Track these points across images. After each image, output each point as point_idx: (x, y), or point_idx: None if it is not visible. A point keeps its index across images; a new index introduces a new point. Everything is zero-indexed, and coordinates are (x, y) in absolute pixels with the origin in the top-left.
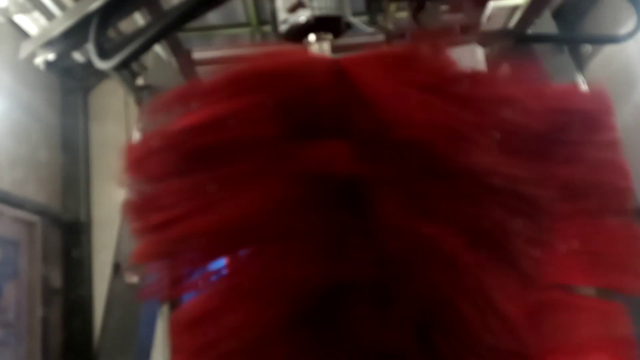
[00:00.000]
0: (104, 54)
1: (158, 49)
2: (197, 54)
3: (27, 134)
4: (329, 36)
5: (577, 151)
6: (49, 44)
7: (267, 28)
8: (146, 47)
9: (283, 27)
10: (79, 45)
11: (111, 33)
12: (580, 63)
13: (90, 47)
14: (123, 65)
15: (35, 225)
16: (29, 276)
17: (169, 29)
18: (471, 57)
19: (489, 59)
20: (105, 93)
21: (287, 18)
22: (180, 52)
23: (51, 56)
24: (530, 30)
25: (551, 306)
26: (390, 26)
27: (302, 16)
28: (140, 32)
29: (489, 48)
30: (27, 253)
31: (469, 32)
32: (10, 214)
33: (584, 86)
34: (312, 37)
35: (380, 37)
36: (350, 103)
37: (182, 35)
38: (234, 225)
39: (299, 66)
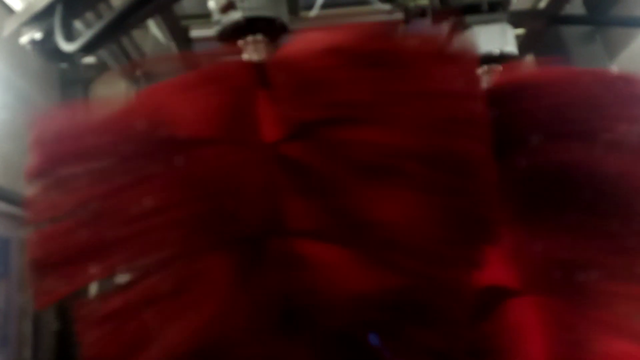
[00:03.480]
0: (70, 37)
1: (157, 33)
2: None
3: (23, 126)
4: (263, 38)
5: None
6: (34, 21)
7: None
8: (111, 28)
9: (216, 29)
10: (77, 15)
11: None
12: (611, 53)
13: (56, 29)
14: (89, 48)
15: None
16: (20, 275)
17: (134, 7)
18: (501, 36)
19: (519, 40)
20: (106, 84)
21: (219, 19)
22: (181, 38)
23: (38, 35)
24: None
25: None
26: (410, 4)
27: (233, 17)
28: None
29: (519, 28)
30: (18, 250)
31: (497, 10)
32: (2, 209)
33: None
34: (247, 38)
35: (399, 15)
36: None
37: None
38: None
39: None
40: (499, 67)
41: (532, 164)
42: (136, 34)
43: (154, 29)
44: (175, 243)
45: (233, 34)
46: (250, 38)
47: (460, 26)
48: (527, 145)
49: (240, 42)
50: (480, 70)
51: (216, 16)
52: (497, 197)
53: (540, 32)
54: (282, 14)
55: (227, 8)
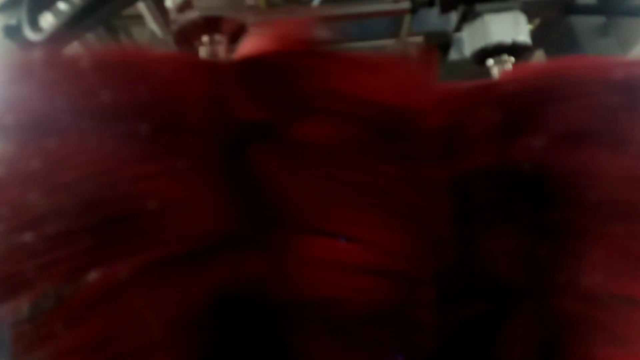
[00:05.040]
0: (36, 26)
1: (155, 27)
2: None
3: None
4: (221, 38)
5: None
6: (8, 6)
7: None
8: (79, 18)
9: (173, 28)
10: (45, 5)
11: None
12: (625, 47)
13: (23, 16)
14: (57, 38)
15: None
16: None
17: None
18: (513, 25)
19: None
20: None
21: (176, 18)
22: None
23: (13, 20)
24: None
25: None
26: None
27: (190, 16)
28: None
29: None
30: None
31: None
32: None
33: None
34: (205, 38)
35: (406, 4)
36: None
37: None
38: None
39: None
40: (510, 58)
41: (538, 163)
42: (134, 29)
43: (151, 23)
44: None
45: (190, 33)
46: (207, 38)
47: (470, 15)
48: (533, 144)
49: (197, 42)
50: (491, 62)
51: (173, 15)
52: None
53: (554, 23)
54: (241, 14)
55: (184, 7)
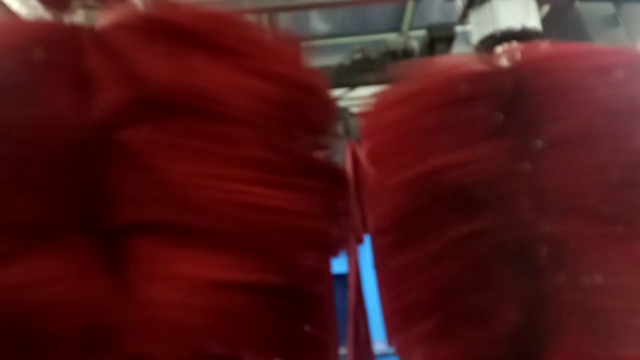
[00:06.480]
0: None
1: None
2: None
3: None
4: (97, 4)
5: None
6: None
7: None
8: None
9: None
10: None
11: None
12: (634, 37)
13: None
14: None
15: None
16: None
17: None
18: (523, 10)
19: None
20: None
21: None
22: None
23: None
24: None
25: None
26: None
27: None
28: None
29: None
30: None
31: None
32: None
33: None
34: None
35: None
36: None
37: None
38: None
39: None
40: (519, 44)
41: (550, 145)
42: None
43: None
44: None
45: None
46: (81, 1)
47: (477, 0)
48: (545, 127)
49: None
50: (501, 48)
51: None
52: None
53: (562, 11)
54: None
55: None
